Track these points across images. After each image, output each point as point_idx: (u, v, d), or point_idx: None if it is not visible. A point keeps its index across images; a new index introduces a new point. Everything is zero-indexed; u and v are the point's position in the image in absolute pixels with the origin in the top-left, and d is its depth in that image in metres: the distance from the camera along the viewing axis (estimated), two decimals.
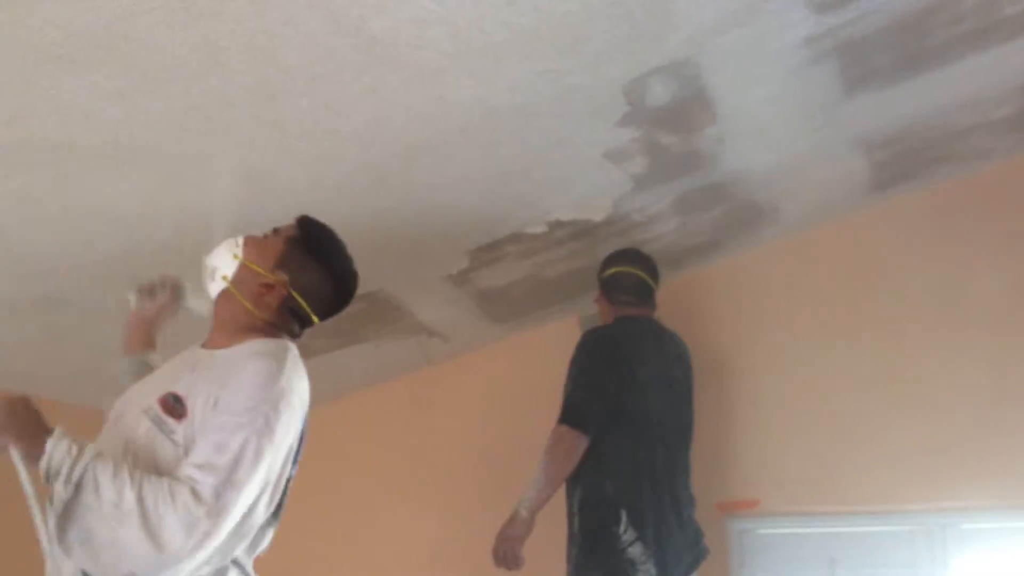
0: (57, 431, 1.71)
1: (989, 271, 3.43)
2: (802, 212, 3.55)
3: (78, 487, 1.66)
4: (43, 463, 1.67)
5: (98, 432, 1.99)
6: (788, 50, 2.58)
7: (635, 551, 2.92)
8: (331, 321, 2.19)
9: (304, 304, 2.05)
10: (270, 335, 2.03)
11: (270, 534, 1.99)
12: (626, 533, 2.93)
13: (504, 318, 3.87)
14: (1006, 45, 2.77)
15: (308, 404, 1.98)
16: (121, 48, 1.98)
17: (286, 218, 2.64)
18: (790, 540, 3.55)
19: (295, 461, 1.98)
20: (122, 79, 2.08)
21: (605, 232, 3.34)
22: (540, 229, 3.24)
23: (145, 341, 2.35)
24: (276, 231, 2.09)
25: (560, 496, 3.05)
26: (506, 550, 2.95)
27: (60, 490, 1.65)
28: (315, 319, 2.10)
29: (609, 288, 3.30)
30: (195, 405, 1.84)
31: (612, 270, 3.31)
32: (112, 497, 1.67)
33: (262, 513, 1.88)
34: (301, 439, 1.98)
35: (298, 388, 1.93)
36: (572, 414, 2.99)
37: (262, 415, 1.83)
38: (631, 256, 3.33)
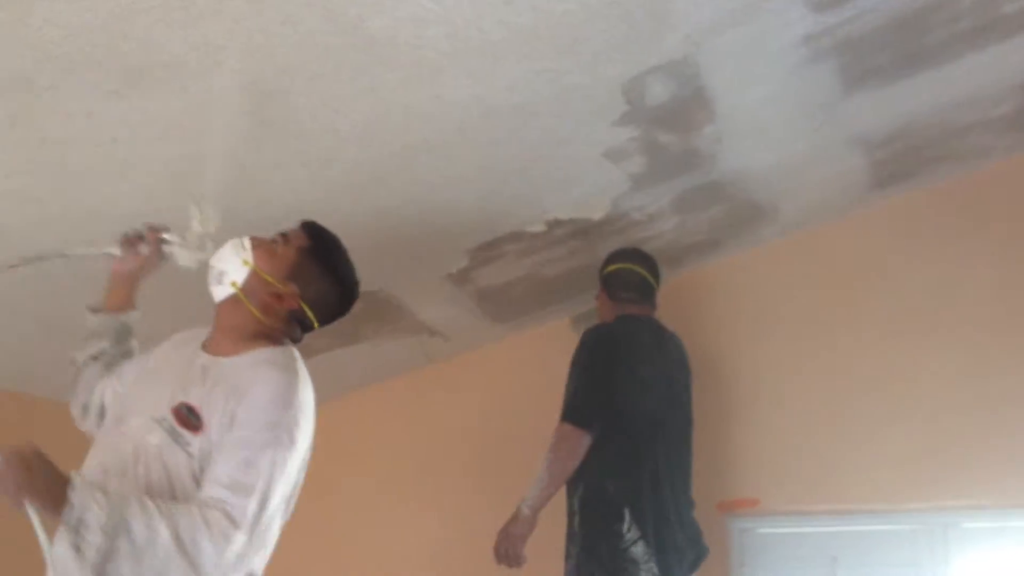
0: (76, 481, 1.66)
1: (989, 270, 3.43)
2: (801, 211, 3.55)
3: (112, 534, 1.64)
4: (69, 516, 1.62)
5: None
6: (787, 49, 2.58)
7: (638, 550, 2.92)
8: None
9: (311, 314, 2.07)
10: (275, 342, 2.04)
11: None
12: (629, 532, 2.93)
13: (504, 317, 3.87)
14: (1005, 43, 2.77)
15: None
16: (120, 47, 1.98)
17: (285, 218, 2.64)
18: (791, 539, 3.55)
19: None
20: (121, 78, 2.08)
21: (604, 231, 3.34)
22: (539, 228, 3.24)
23: (125, 298, 2.26)
24: (285, 238, 2.07)
25: (558, 495, 3.05)
26: (508, 548, 2.95)
27: (93, 539, 1.63)
28: (316, 325, 2.11)
29: (610, 285, 3.30)
30: (211, 419, 1.86)
31: (614, 267, 3.31)
32: (147, 536, 1.66)
33: (279, 523, 1.91)
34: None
35: (310, 399, 1.97)
36: (575, 412, 3.00)
37: (285, 431, 1.87)
38: (633, 254, 3.33)
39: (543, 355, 3.89)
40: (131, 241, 2.19)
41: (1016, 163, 3.46)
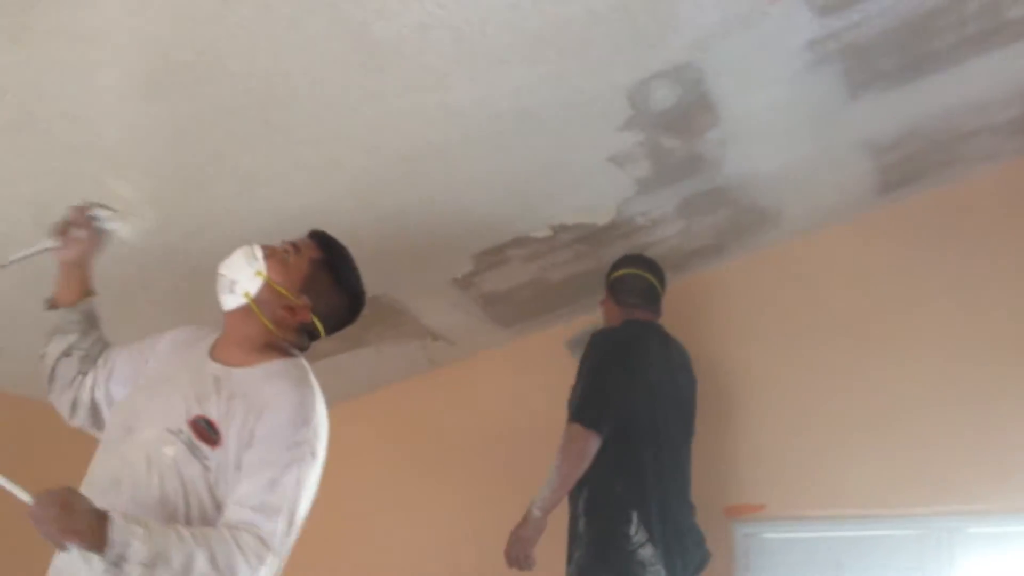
0: (115, 518, 1.65)
1: (996, 273, 3.42)
2: (807, 215, 3.54)
3: (151, 566, 1.66)
4: (110, 553, 1.63)
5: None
6: (792, 53, 2.58)
7: (645, 553, 2.92)
8: None
9: (320, 325, 2.07)
10: (286, 353, 2.05)
11: None
12: (637, 535, 2.93)
13: (509, 322, 3.87)
14: (1010, 47, 2.77)
15: None
16: (125, 53, 1.99)
17: (290, 223, 2.64)
18: (796, 544, 3.54)
19: None
20: (126, 84, 2.08)
21: (609, 236, 3.34)
22: (544, 233, 3.24)
23: (79, 287, 2.14)
24: (296, 248, 2.06)
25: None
26: (519, 551, 2.95)
27: (133, 572, 1.65)
28: (323, 335, 2.11)
29: (617, 290, 3.31)
30: (229, 433, 1.87)
31: (621, 272, 3.32)
32: (185, 564, 1.69)
33: (296, 533, 1.93)
34: None
35: (324, 410, 2.00)
36: (585, 413, 3.00)
37: (308, 447, 1.91)
38: (641, 260, 3.35)
39: (548, 359, 3.90)
40: (63, 229, 2.09)
41: (1022, 167, 3.45)
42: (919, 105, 2.98)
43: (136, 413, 1.96)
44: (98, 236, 2.11)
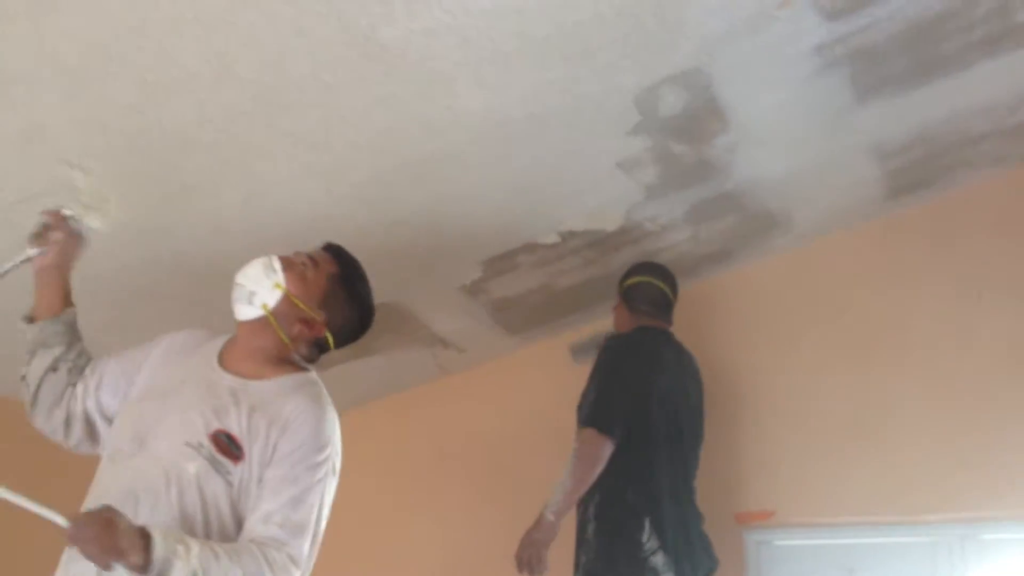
0: (156, 536, 1.66)
1: (1007, 276, 3.41)
2: (815, 220, 3.53)
3: None
4: (152, 572, 1.64)
5: None
6: (800, 58, 2.57)
7: (657, 560, 2.93)
8: None
9: (331, 340, 2.08)
10: (299, 367, 2.07)
11: None
12: (649, 541, 2.94)
13: (518, 328, 3.86)
14: (1019, 52, 2.76)
15: None
16: (134, 61, 1.99)
17: (299, 229, 2.66)
18: (808, 551, 3.53)
19: None
20: (135, 92, 2.09)
21: (618, 242, 3.34)
22: (553, 239, 3.24)
23: (58, 297, 2.07)
24: (314, 262, 2.07)
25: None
26: (531, 554, 2.94)
27: None
28: (332, 349, 2.12)
29: (630, 297, 3.33)
30: (252, 448, 1.88)
31: (635, 279, 3.34)
32: None
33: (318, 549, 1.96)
34: None
35: (338, 423, 2.02)
36: (599, 418, 3.00)
37: (329, 464, 1.94)
38: (655, 268, 3.37)
39: (557, 366, 3.90)
40: (41, 234, 2.05)
41: None
42: (927, 109, 2.97)
43: (146, 425, 1.93)
44: (76, 236, 2.09)
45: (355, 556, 4.02)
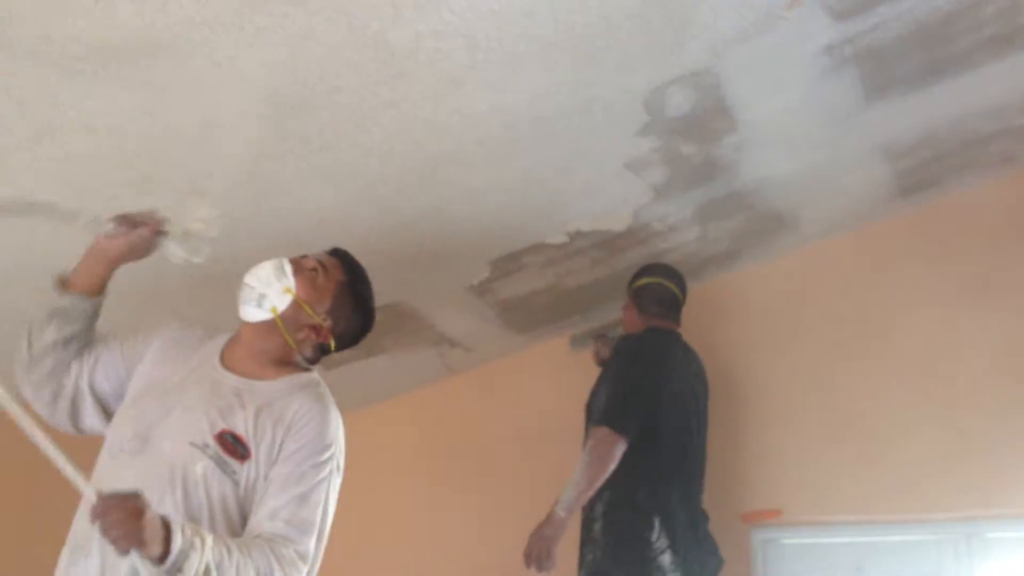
0: (177, 528, 1.66)
1: (1015, 276, 3.41)
2: (824, 220, 3.53)
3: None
4: (169, 564, 1.64)
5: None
6: (808, 58, 2.57)
7: (665, 559, 2.94)
8: None
9: (334, 344, 2.09)
10: (302, 368, 2.07)
11: None
12: (658, 541, 2.95)
13: (525, 328, 3.87)
14: None
15: None
16: (143, 64, 2.00)
17: (307, 231, 2.66)
18: (815, 550, 3.53)
19: None
20: (144, 94, 2.09)
21: (626, 242, 3.34)
22: (561, 239, 3.24)
23: (100, 280, 2.01)
24: (324, 268, 2.07)
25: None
26: (541, 550, 2.95)
27: None
28: (332, 351, 2.13)
29: (640, 298, 3.34)
30: (259, 448, 1.89)
31: (645, 280, 3.35)
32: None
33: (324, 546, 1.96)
34: None
35: (341, 422, 2.02)
36: (613, 417, 3.01)
37: (335, 463, 1.95)
38: (665, 270, 3.38)
39: (564, 365, 3.90)
40: (129, 221, 1.96)
41: None
42: (936, 109, 2.97)
43: (148, 423, 1.92)
44: (152, 246, 2.00)
45: (364, 555, 4.03)
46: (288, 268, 2.01)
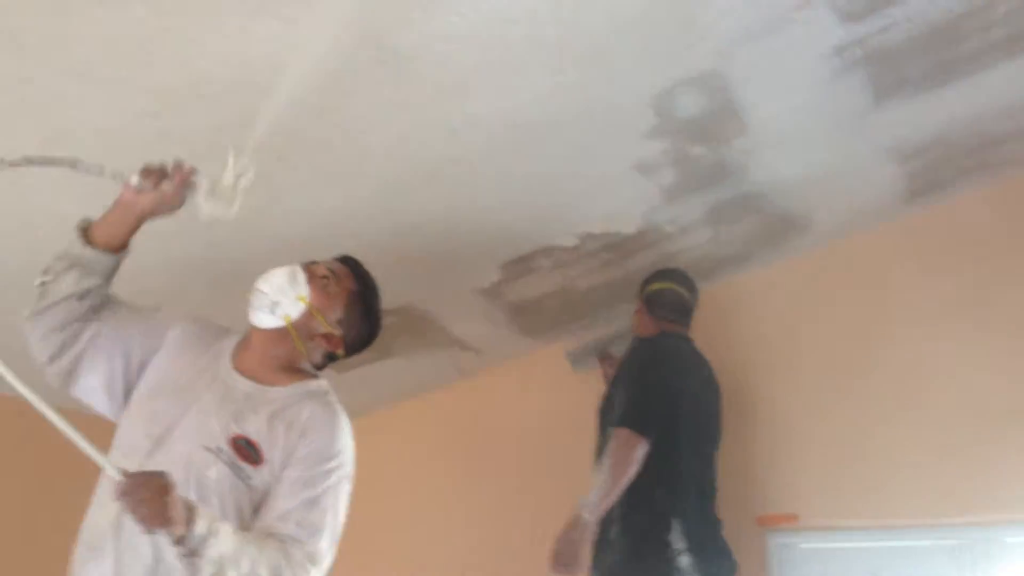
0: (201, 513, 1.70)
1: None
2: (834, 222, 3.52)
3: (221, 566, 1.71)
4: (188, 544, 1.67)
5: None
6: (818, 60, 2.56)
7: (684, 561, 2.94)
8: None
9: (342, 352, 2.11)
10: (310, 375, 2.09)
11: None
12: (678, 542, 2.95)
13: (536, 331, 3.87)
14: None
15: None
16: (153, 67, 2.01)
17: (315, 233, 2.66)
18: (831, 555, 3.51)
19: None
20: (154, 97, 2.11)
21: (636, 244, 3.34)
22: (571, 242, 3.24)
23: (124, 236, 1.96)
24: (336, 276, 2.07)
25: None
26: (570, 553, 2.93)
27: (207, 569, 1.71)
28: (339, 358, 2.15)
29: (652, 303, 3.35)
30: (272, 454, 1.90)
31: (656, 286, 3.36)
32: (249, 569, 1.74)
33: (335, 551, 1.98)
34: None
35: (351, 430, 2.04)
36: (634, 418, 3.01)
37: (345, 469, 1.97)
38: (676, 275, 3.40)
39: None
40: (155, 174, 1.88)
41: None
42: (946, 111, 2.95)
43: (161, 424, 1.92)
44: (180, 200, 1.91)
45: (378, 557, 4.04)
46: (302, 276, 2.02)
